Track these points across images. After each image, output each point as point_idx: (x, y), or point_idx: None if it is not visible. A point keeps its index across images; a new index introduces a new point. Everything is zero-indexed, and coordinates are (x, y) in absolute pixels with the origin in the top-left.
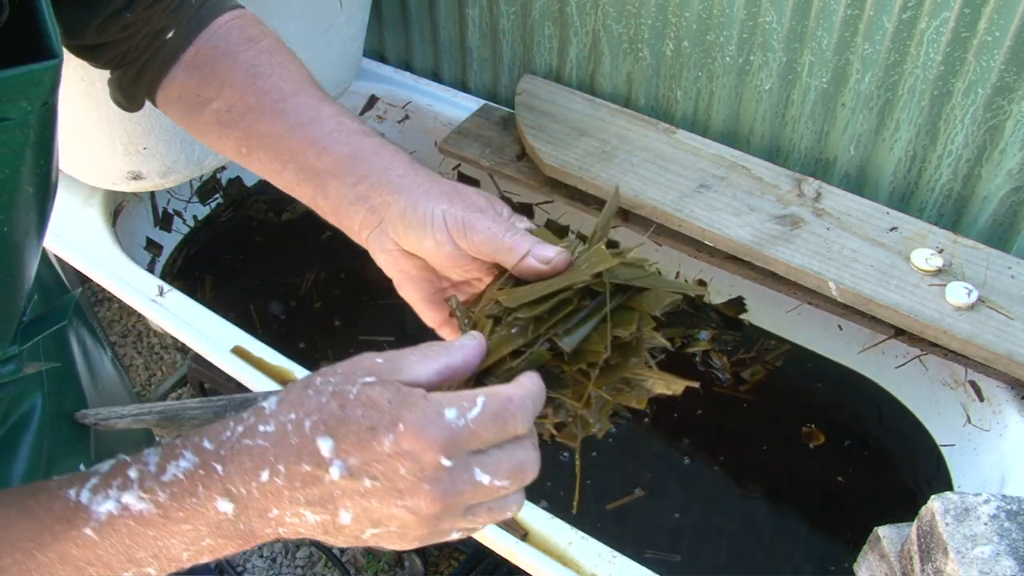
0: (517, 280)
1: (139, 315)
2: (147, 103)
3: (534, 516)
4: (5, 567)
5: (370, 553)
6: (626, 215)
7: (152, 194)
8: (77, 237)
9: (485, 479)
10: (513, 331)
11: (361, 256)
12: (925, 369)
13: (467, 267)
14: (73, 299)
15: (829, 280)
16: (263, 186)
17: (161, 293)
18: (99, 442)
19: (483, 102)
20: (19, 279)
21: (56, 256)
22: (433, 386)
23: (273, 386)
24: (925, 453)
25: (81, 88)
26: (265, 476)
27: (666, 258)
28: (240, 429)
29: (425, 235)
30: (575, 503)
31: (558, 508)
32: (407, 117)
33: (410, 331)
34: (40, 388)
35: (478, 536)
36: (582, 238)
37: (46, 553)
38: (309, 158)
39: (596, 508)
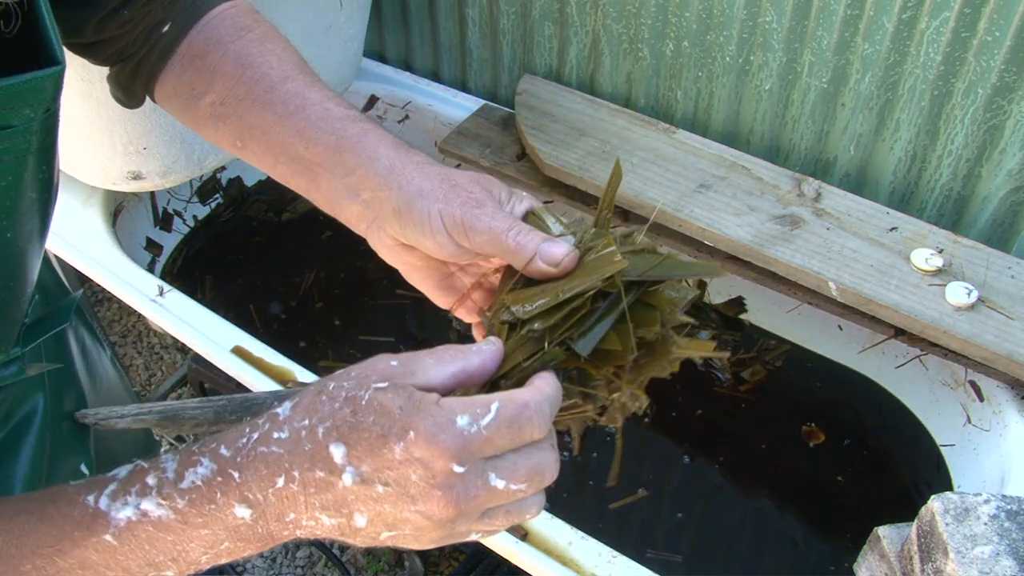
0: (528, 279)
1: (139, 315)
2: (147, 101)
3: None
4: (25, 572)
5: (370, 553)
6: (626, 215)
7: (152, 194)
8: (77, 237)
9: (500, 484)
10: (529, 339)
11: (361, 256)
12: (925, 369)
13: (472, 257)
14: (74, 301)
15: (829, 280)
16: (263, 186)
17: (161, 293)
18: (99, 442)
19: (483, 102)
20: (22, 283)
21: (56, 257)
22: (447, 390)
23: (273, 386)
24: (925, 453)
25: (81, 88)
26: (281, 482)
27: None
28: (256, 436)
29: (424, 236)
30: (613, 475)
31: (558, 508)
32: (407, 117)
33: (410, 331)
34: (41, 389)
35: None
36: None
37: (66, 559)
38: (299, 149)
39: (597, 508)
